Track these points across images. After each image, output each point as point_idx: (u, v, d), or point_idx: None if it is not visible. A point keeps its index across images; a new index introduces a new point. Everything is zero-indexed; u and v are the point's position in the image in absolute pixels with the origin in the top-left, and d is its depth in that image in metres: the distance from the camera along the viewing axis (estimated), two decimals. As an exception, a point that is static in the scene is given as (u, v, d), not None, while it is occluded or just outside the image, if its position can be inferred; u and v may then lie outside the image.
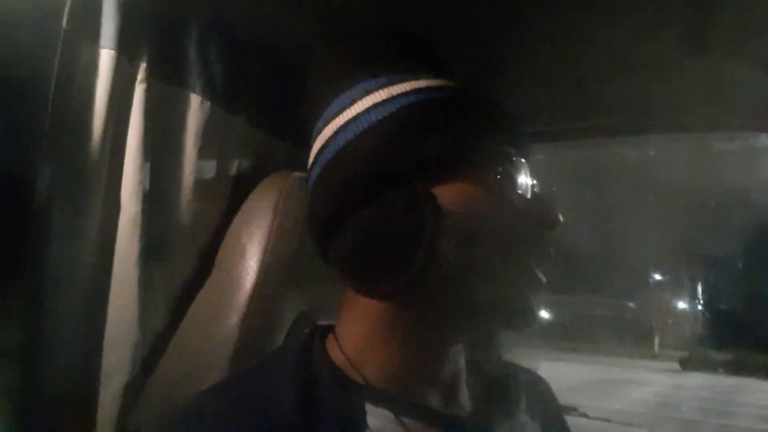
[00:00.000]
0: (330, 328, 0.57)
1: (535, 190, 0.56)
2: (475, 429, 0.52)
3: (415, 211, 0.49)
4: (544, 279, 0.53)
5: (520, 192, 0.54)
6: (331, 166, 0.53)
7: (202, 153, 0.76)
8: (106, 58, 0.64)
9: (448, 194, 0.50)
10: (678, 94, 0.95)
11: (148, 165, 0.69)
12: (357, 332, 0.53)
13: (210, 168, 0.78)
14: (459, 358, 0.55)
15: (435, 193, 0.50)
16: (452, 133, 0.51)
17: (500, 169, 0.53)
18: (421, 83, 0.54)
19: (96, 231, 0.65)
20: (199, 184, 0.76)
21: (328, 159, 0.53)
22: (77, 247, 0.63)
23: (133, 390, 0.66)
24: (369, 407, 0.49)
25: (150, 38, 0.70)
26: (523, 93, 0.96)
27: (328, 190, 0.53)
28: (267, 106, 0.87)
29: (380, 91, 0.53)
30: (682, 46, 0.80)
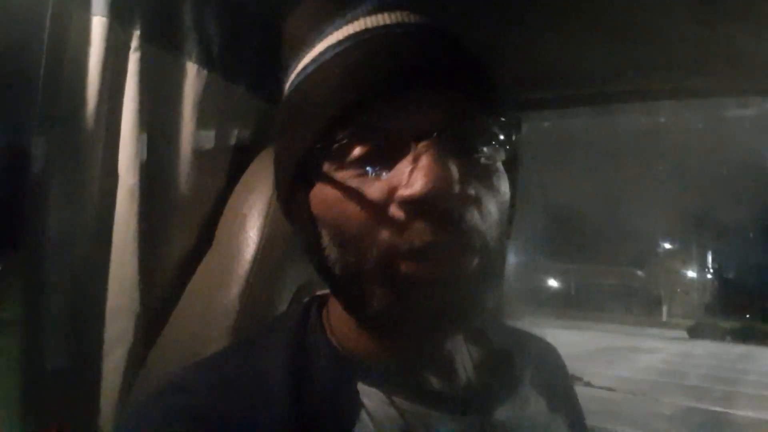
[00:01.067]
0: (327, 299, 0.55)
1: (423, 160, 0.42)
2: (470, 406, 0.49)
3: (301, 218, 0.48)
4: (429, 273, 0.42)
5: (386, 173, 0.43)
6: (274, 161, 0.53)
7: (201, 122, 0.75)
8: (98, 25, 0.62)
9: (319, 195, 0.46)
10: (688, 58, 0.92)
11: (145, 135, 0.68)
12: (338, 313, 0.51)
13: (209, 138, 0.77)
14: (444, 336, 0.49)
15: (313, 195, 0.47)
16: (313, 119, 0.45)
17: (355, 150, 0.44)
18: (319, 47, 0.47)
19: (94, 202, 0.64)
20: (198, 154, 0.75)
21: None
22: (75, 218, 0.63)
23: (135, 361, 0.66)
24: (361, 387, 0.47)
25: (143, 4, 0.68)
26: (531, 54, 0.92)
27: (270, 184, 0.56)
28: (267, 73, 0.85)
29: (300, 63, 0.49)
30: (691, 7, 0.77)
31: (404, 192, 0.41)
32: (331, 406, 0.46)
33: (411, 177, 0.41)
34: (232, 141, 0.81)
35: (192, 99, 0.74)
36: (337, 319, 0.52)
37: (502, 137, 0.46)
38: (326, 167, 0.45)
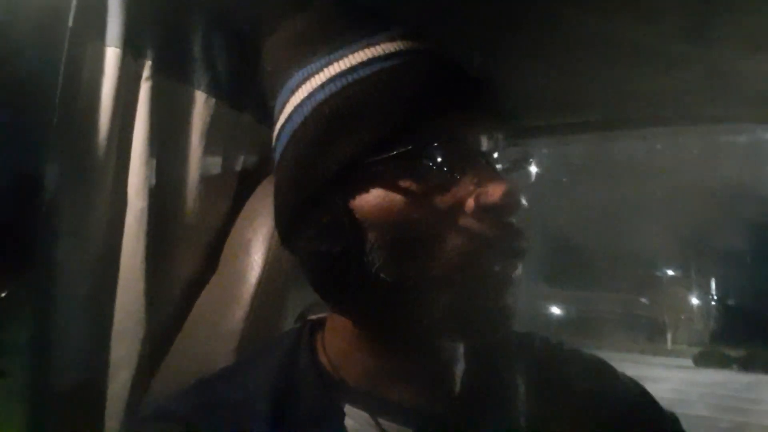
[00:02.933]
0: (321, 323, 0.55)
1: (490, 172, 0.45)
2: (460, 427, 0.48)
3: (335, 231, 0.44)
4: (512, 274, 0.44)
5: (458, 180, 0.44)
6: (274, 184, 0.51)
7: (208, 149, 0.77)
8: (111, 56, 0.65)
9: (368, 204, 0.44)
10: (683, 86, 0.94)
11: (154, 161, 0.70)
12: (335, 336, 0.51)
13: (215, 164, 0.79)
14: (438, 358, 0.49)
15: (355, 204, 0.44)
16: (365, 130, 0.43)
17: (424, 160, 0.43)
18: (342, 64, 0.46)
19: (103, 227, 0.66)
20: (205, 180, 0.77)
21: (272, 174, 0.51)
22: (85, 242, 0.64)
23: (141, 384, 0.67)
24: (348, 408, 0.47)
25: (155, 36, 0.70)
26: (522, 84, 0.94)
27: (274, 206, 0.51)
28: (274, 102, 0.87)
29: (301, 89, 0.47)
30: (685, 36, 0.79)
31: (488, 200, 0.43)
32: (314, 428, 0.46)
33: (486, 186, 0.43)
34: (238, 167, 0.83)
35: (200, 126, 0.76)
36: (334, 340, 0.51)
37: (524, 160, 0.50)
38: (388, 173, 0.44)
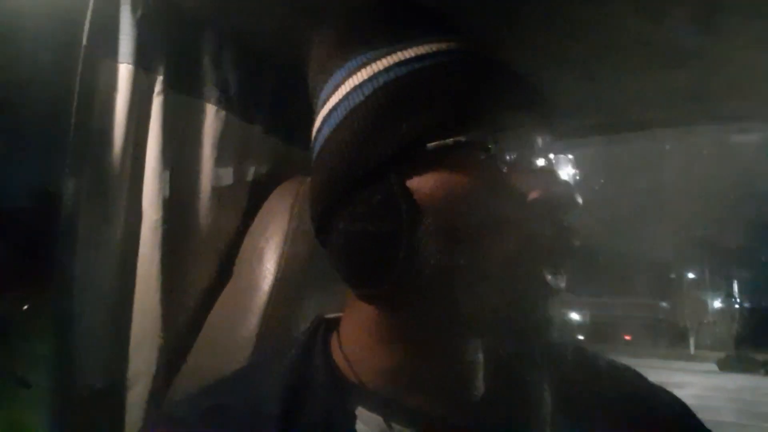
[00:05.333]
0: (336, 322, 0.54)
1: (548, 167, 0.47)
2: None
3: (389, 211, 0.43)
4: (559, 283, 0.44)
5: (519, 174, 0.45)
6: (316, 165, 0.49)
7: (220, 160, 0.79)
8: (124, 72, 0.67)
9: (425, 186, 0.43)
10: (696, 85, 0.94)
11: (168, 173, 0.71)
12: (355, 332, 0.50)
13: (227, 175, 0.80)
14: (462, 361, 0.47)
15: (412, 185, 0.44)
16: (430, 112, 0.43)
17: (490, 149, 0.44)
18: (408, 52, 0.47)
19: (119, 238, 0.67)
20: (217, 190, 0.78)
21: (315, 155, 0.50)
22: (102, 254, 0.66)
23: (159, 392, 0.68)
24: (360, 412, 0.46)
25: (166, 52, 0.72)
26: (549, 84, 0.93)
27: (314, 190, 0.49)
28: (282, 113, 0.89)
29: (363, 71, 0.47)
30: (700, 36, 0.79)
31: (549, 198, 0.44)
32: (325, 431, 0.45)
33: (546, 184, 0.44)
34: (249, 178, 0.84)
35: (211, 138, 0.78)
36: (351, 336, 0.50)
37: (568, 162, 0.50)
38: (450, 160, 0.43)
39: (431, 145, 0.43)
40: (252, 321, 0.69)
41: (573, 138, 1.18)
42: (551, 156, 0.48)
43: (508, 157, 0.44)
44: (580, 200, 0.45)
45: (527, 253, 0.43)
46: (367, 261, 0.45)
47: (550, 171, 0.46)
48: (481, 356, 0.48)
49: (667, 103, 1.01)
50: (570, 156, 0.50)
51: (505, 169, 0.44)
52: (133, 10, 0.67)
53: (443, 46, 0.47)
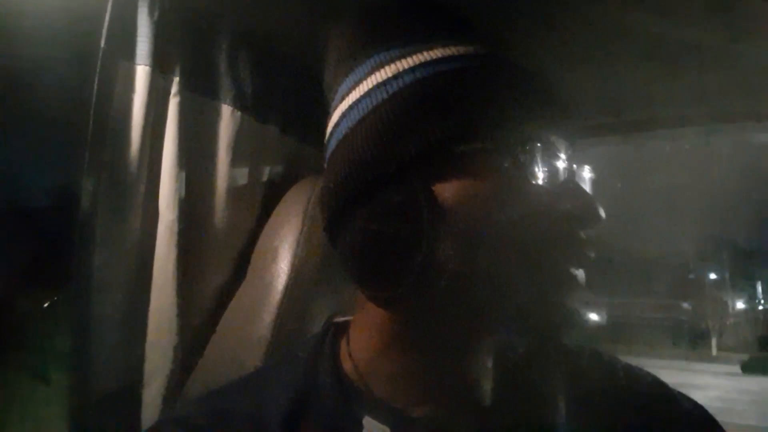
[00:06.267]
0: (346, 326, 0.53)
1: (571, 178, 0.46)
2: None
3: (409, 212, 0.42)
4: (580, 280, 0.44)
5: (545, 183, 0.44)
6: (332, 160, 0.48)
7: (235, 161, 0.79)
8: (141, 73, 0.68)
9: (449, 189, 0.43)
10: (715, 85, 0.92)
11: (184, 174, 0.72)
12: (364, 337, 0.49)
13: (242, 175, 0.81)
14: (473, 369, 0.46)
15: (435, 188, 0.43)
16: (458, 115, 0.43)
17: (518, 156, 0.43)
18: (435, 53, 0.46)
19: (136, 238, 0.68)
20: (233, 190, 0.79)
21: (331, 150, 0.49)
22: (119, 253, 0.67)
23: (174, 390, 0.69)
24: (367, 421, 0.45)
25: (182, 53, 0.73)
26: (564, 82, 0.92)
27: (328, 186, 0.47)
28: (297, 113, 0.89)
29: (387, 68, 0.47)
30: (719, 33, 0.77)
31: (570, 209, 0.44)
32: None
33: (570, 196, 0.44)
34: (264, 178, 0.85)
35: (227, 139, 0.78)
36: (361, 342, 0.49)
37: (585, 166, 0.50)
38: (474, 164, 0.43)
39: (458, 148, 0.43)
40: (266, 320, 0.69)
41: (592, 137, 1.17)
42: (574, 166, 0.47)
43: (534, 167, 0.44)
44: (602, 214, 0.45)
45: (544, 265, 0.43)
46: (382, 263, 0.44)
47: (574, 184, 0.46)
48: (493, 364, 0.46)
49: (685, 102, 0.99)
50: (590, 167, 0.50)
51: (530, 179, 0.44)
52: (150, 12, 0.68)
53: (469, 49, 0.47)
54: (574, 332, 0.45)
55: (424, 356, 0.46)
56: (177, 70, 0.72)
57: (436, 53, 0.46)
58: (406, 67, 0.46)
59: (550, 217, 0.43)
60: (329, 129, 0.51)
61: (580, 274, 0.44)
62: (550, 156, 0.45)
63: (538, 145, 0.44)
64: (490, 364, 0.46)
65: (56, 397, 0.64)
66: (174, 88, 0.72)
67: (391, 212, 0.43)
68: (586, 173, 0.50)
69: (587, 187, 0.49)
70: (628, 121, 1.11)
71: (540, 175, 0.44)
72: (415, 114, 0.44)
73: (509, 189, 0.44)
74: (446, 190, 0.43)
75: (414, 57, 0.46)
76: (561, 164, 0.46)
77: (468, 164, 0.43)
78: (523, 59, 0.48)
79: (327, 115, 0.54)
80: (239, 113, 0.80)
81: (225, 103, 0.78)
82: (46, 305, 0.67)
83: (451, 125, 0.43)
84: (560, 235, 0.43)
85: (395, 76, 0.46)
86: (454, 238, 0.42)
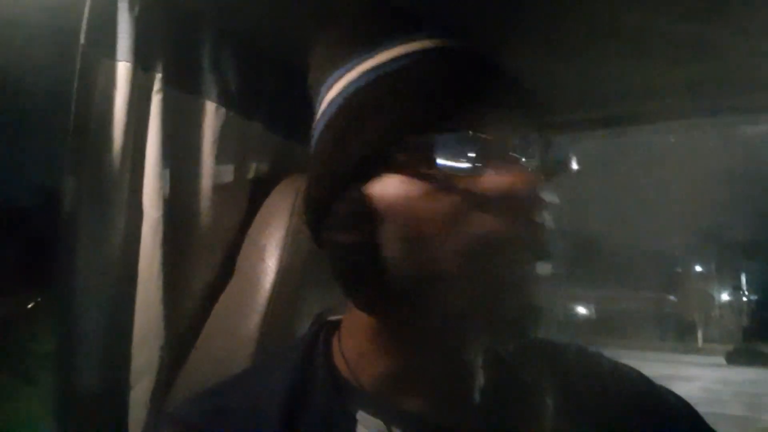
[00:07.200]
0: (338, 324, 0.54)
1: (512, 166, 0.43)
2: None
3: (357, 221, 0.44)
4: (540, 273, 0.43)
5: (485, 175, 0.43)
6: (308, 164, 0.51)
7: (220, 158, 0.78)
8: (122, 70, 0.66)
9: (388, 195, 0.44)
10: (701, 77, 0.93)
11: (168, 172, 0.71)
12: (354, 336, 0.50)
13: (228, 172, 0.80)
14: (457, 364, 0.47)
15: (377, 194, 0.44)
16: (385, 119, 0.43)
17: (448, 153, 0.42)
18: (388, 54, 0.46)
19: (120, 237, 0.67)
20: (218, 188, 0.78)
21: (309, 160, 0.51)
22: (103, 253, 0.66)
23: (161, 390, 0.68)
24: (361, 415, 0.46)
25: (164, 50, 0.72)
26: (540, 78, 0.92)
27: (304, 192, 0.50)
28: (282, 110, 0.89)
29: (340, 81, 0.48)
30: (701, 25, 0.77)
31: (498, 187, 0.42)
32: None
33: (505, 177, 0.42)
34: (250, 175, 0.84)
35: (211, 136, 0.78)
36: (351, 340, 0.50)
37: (550, 155, 0.47)
38: (407, 163, 0.43)
39: (389, 152, 0.43)
40: (254, 318, 0.69)
41: (577, 131, 1.17)
42: (527, 159, 0.45)
43: (464, 156, 0.42)
44: (551, 198, 0.44)
45: (488, 253, 0.42)
46: (346, 269, 0.46)
47: (513, 166, 0.43)
48: (475, 358, 0.47)
49: (671, 94, 0.99)
50: (575, 161, 0.48)
51: (464, 169, 0.42)
52: (131, 7, 0.67)
53: (408, 48, 0.47)
54: (542, 327, 0.45)
55: (406, 355, 0.47)
56: (159, 67, 0.71)
57: (374, 61, 0.47)
58: (351, 79, 0.47)
59: (488, 204, 0.42)
60: (313, 128, 0.52)
61: (540, 266, 0.43)
62: (487, 147, 0.43)
63: (469, 137, 0.43)
64: (469, 361, 0.47)
65: (42, 399, 0.63)
66: (156, 85, 0.71)
67: (343, 222, 0.45)
68: (559, 161, 0.48)
69: (571, 182, 0.49)
70: (613, 116, 1.11)
71: (471, 165, 0.43)
72: (353, 123, 0.45)
73: (438, 184, 0.43)
74: (384, 195, 0.44)
75: (359, 68, 0.47)
76: (501, 154, 0.44)
77: (401, 166, 0.44)
78: (501, 54, 0.48)
79: (312, 111, 0.54)
80: (223, 110, 0.79)
81: (209, 100, 0.77)
82: (30, 305, 0.66)
83: (379, 129, 0.43)
84: (506, 231, 0.42)
85: (341, 91, 0.47)
86: (400, 241, 0.43)
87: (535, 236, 0.43)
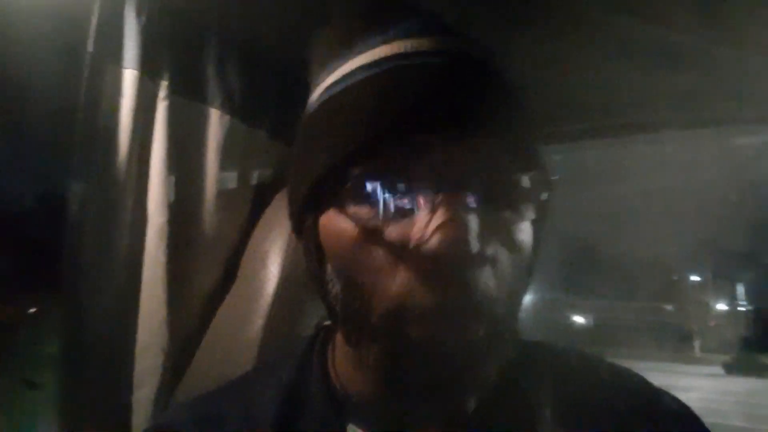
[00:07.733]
0: (334, 332, 0.51)
1: (452, 207, 0.37)
2: None
3: (305, 252, 0.45)
4: (459, 341, 0.38)
5: (420, 214, 0.38)
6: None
7: (224, 165, 0.79)
8: (129, 77, 0.68)
9: (324, 226, 0.43)
10: (696, 88, 0.94)
11: (173, 178, 0.72)
12: (341, 346, 0.48)
13: (232, 179, 0.81)
14: (432, 380, 0.42)
15: (320, 224, 0.43)
16: (329, 144, 0.41)
17: (380, 188, 0.38)
18: (337, 74, 0.43)
19: (125, 242, 0.68)
20: (222, 194, 0.79)
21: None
22: (108, 258, 0.66)
23: (165, 395, 0.68)
24: (351, 428, 0.45)
25: (170, 57, 0.73)
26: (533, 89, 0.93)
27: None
28: (286, 118, 0.90)
29: (310, 98, 0.47)
30: (698, 37, 0.78)
31: (420, 246, 0.37)
32: None
33: (427, 230, 0.37)
34: (254, 182, 0.85)
35: (216, 143, 0.79)
36: (340, 352, 0.49)
37: (532, 193, 0.41)
38: (341, 196, 0.40)
39: (329, 185, 0.41)
40: (256, 324, 0.70)
41: (572, 142, 1.18)
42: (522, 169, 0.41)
43: (394, 191, 0.38)
44: (472, 248, 0.37)
45: (408, 306, 0.38)
46: (314, 285, 0.46)
47: (447, 213, 0.37)
48: (448, 375, 0.42)
49: (668, 105, 1.00)
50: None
51: (396, 205, 0.38)
52: (138, 16, 0.68)
53: (362, 59, 0.42)
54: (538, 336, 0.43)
55: (384, 371, 0.43)
56: (165, 74, 0.72)
57: (338, 74, 0.43)
58: (313, 99, 0.46)
59: (409, 253, 0.38)
60: None
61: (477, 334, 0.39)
62: (423, 180, 0.38)
63: (397, 170, 0.39)
64: (440, 381, 0.42)
65: (45, 403, 0.63)
66: (162, 92, 0.72)
67: (302, 248, 0.46)
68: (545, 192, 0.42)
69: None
70: (611, 125, 1.12)
71: (402, 202, 0.39)
72: (306, 147, 0.44)
73: (367, 221, 0.39)
74: (324, 227, 0.43)
75: (321, 85, 0.45)
76: (441, 189, 0.38)
77: (339, 198, 0.41)
78: (496, 63, 0.45)
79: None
80: (228, 117, 0.80)
81: (213, 107, 0.78)
82: (33, 310, 0.67)
83: (322, 158, 0.41)
84: (418, 276, 0.38)
85: (305, 112, 0.47)
86: (337, 274, 0.42)
87: (466, 303, 0.38)
